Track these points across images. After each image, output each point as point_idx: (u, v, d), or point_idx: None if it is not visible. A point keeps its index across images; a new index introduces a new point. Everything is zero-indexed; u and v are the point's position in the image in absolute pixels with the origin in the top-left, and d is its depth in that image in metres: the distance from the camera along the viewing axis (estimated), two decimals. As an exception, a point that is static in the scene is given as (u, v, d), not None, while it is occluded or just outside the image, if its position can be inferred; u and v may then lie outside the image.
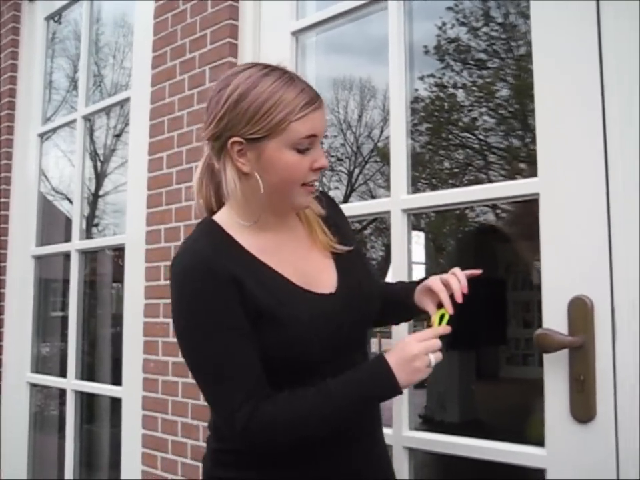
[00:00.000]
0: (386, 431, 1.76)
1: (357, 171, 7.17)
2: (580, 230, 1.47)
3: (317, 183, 1.29)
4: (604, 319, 1.42)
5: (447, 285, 1.32)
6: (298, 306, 1.25)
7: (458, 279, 1.31)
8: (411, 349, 1.20)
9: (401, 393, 1.22)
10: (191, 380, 2.24)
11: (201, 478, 1.40)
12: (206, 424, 2.18)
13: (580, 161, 1.48)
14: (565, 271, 1.49)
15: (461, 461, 1.66)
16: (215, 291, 1.19)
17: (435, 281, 1.34)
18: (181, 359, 2.26)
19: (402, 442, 1.78)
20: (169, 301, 2.32)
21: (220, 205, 1.34)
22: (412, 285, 1.45)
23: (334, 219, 1.42)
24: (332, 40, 2.39)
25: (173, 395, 2.35)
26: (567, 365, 1.45)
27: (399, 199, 1.84)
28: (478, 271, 1.37)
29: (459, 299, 1.29)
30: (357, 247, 1.42)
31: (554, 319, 1.48)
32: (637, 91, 1.41)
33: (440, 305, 1.31)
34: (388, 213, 1.86)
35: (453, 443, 1.68)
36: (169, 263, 2.31)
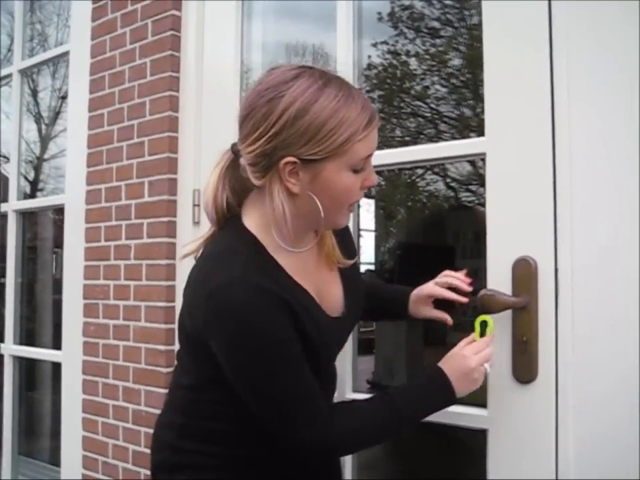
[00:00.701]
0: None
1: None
2: (525, 191, 1.46)
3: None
4: (547, 280, 1.41)
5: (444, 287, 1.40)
6: (329, 334, 1.24)
7: (455, 277, 1.40)
8: (469, 363, 1.26)
9: (456, 402, 1.29)
10: (132, 343, 2.23)
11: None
12: (148, 388, 2.19)
13: (527, 121, 1.46)
14: (509, 232, 1.48)
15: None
16: (281, 320, 1.12)
17: (433, 288, 1.42)
18: (122, 321, 2.27)
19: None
20: (110, 262, 2.31)
21: (230, 209, 1.24)
22: (403, 295, 1.48)
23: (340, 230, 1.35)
24: (284, 5, 2.32)
25: (114, 358, 2.30)
26: (510, 326, 1.45)
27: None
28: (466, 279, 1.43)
29: (469, 288, 1.38)
30: (357, 257, 1.41)
31: (498, 280, 1.47)
32: (585, 50, 1.39)
33: (476, 312, 1.38)
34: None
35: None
36: (110, 224, 2.31)
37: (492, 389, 1.49)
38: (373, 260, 4.08)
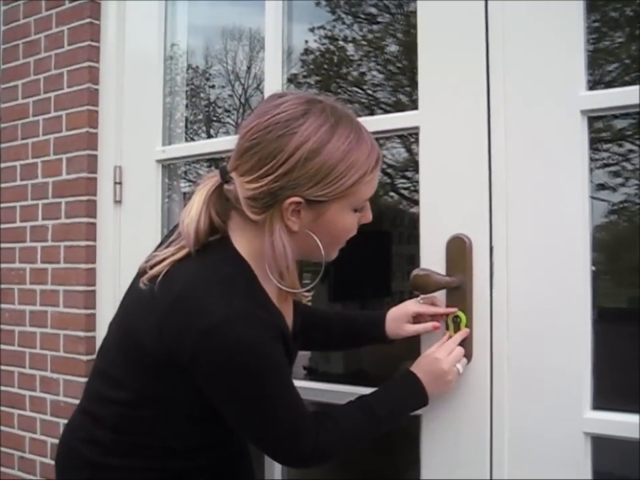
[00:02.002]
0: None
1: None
2: (460, 167, 1.41)
3: None
4: (482, 258, 1.37)
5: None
6: (294, 356, 1.25)
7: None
8: (441, 366, 1.29)
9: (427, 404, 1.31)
10: (50, 330, 2.11)
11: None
12: (67, 377, 2.08)
13: (462, 94, 1.41)
14: (443, 209, 1.43)
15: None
16: (280, 349, 1.11)
17: (419, 305, 1.40)
18: (39, 307, 2.14)
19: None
20: (25, 244, 2.17)
21: (212, 233, 1.16)
22: (377, 318, 1.44)
23: None
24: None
25: (31, 346, 2.18)
26: (444, 306, 1.40)
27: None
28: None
29: (452, 311, 1.37)
30: None
31: (432, 259, 1.42)
32: (520, 33, 1.35)
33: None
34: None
35: (324, 390, 1.63)
36: (26, 203, 2.17)
37: (425, 372, 1.44)
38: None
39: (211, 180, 1.17)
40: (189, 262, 1.13)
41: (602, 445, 1.29)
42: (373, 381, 1.60)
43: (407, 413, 1.31)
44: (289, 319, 1.27)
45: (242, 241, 1.15)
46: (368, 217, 1.18)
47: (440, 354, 1.30)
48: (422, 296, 1.40)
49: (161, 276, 1.12)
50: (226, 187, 1.14)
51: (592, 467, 1.28)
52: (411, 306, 1.41)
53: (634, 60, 1.63)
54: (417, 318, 1.41)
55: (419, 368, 1.30)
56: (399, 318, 1.41)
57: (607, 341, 1.35)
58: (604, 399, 1.29)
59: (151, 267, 1.15)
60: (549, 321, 1.31)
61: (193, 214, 1.14)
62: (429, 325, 1.38)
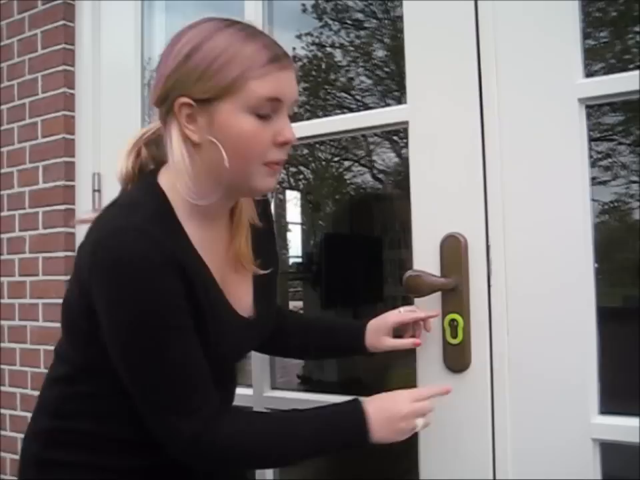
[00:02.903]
0: (246, 391, 1.61)
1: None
2: (452, 162, 1.35)
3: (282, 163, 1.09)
4: (478, 258, 1.31)
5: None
6: (230, 325, 1.11)
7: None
8: (400, 409, 1.09)
9: (369, 445, 1.09)
10: (30, 346, 2.04)
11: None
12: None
13: (453, 87, 1.35)
14: (436, 207, 1.36)
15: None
16: (174, 284, 0.99)
17: (401, 315, 1.31)
18: (18, 322, 2.05)
19: (262, 402, 1.62)
20: (3, 257, 2.09)
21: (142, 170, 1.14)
22: (357, 329, 1.34)
23: (263, 235, 1.24)
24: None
25: (10, 363, 2.11)
26: (439, 309, 1.33)
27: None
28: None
29: (434, 315, 1.30)
30: (275, 268, 1.26)
31: (425, 260, 1.35)
32: (512, 21, 1.30)
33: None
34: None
35: (316, 401, 1.53)
36: (2, 214, 2.09)
37: (422, 380, 1.38)
38: (300, 253, 3.97)
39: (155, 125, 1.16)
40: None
41: (611, 451, 1.23)
42: (367, 388, 1.54)
43: (340, 445, 1.10)
44: (241, 294, 1.17)
45: (168, 175, 1.09)
46: (285, 135, 1.05)
47: (404, 396, 1.12)
48: (401, 308, 1.33)
49: None
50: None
51: (602, 474, 1.22)
52: (391, 317, 1.31)
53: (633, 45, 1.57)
54: (402, 328, 1.32)
55: (374, 401, 1.12)
56: (379, 330, 1.32)
57: (613, 342, 1.28)
58: (612, 402, 1.23)
59: None
60: (551, 323, 1.25)
61: (126, 149, 1.15)
62: (409, 341, 1.30)
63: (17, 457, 2.02)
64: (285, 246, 3.78)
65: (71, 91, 2.00)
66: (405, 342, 1.30)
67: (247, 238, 1.18)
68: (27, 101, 2.06)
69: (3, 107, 2.12)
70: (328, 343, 1.39)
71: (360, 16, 4.91)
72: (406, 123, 1.41)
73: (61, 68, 1.98)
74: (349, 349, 1.37)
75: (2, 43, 2.12)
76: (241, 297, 1.17)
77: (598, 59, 1.59)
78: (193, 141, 1.04)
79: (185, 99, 1.02)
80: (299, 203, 5.04)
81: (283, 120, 1.05)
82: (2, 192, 2.13)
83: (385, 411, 1.09)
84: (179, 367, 1.00)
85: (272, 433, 1.07)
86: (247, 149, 1.03)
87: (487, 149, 1.31)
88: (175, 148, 1.04)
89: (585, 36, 1.28)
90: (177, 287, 1.00)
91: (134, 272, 0.96)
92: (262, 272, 1.19)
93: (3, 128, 2.12)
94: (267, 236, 1.27)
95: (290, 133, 1.05)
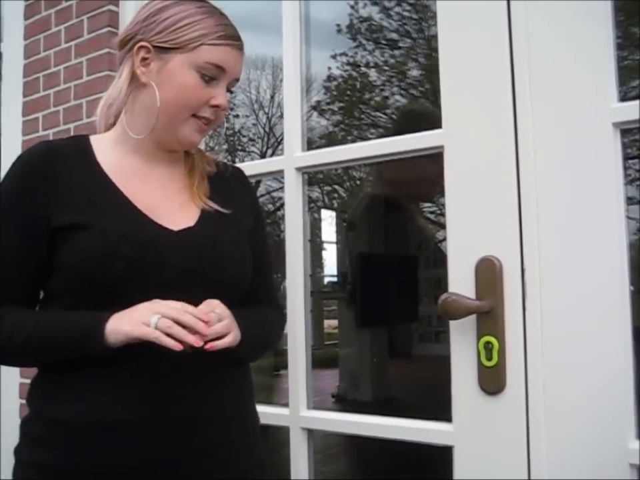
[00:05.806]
0: (282, 410, 1.63)
1: (269, 152, 7.05)
2: (488, 186, 1.35)
3: (210, 127, 1.25)
4: (514, 280, 1.31)
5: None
6: (115, 219, 1.16)
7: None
8: (137, 308, 1.11)
9: (105, 344, 1.09)
10: None
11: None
12: None
13: (487, 112, 1.36)
14: (472, 231, 1.37)
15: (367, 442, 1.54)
16: (28, 183, 1.17)
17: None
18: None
19: (298, 422, 1.63)
20: None
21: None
22: None
23: (235, 189, 1.35)
24: (246, 17, 2.21)
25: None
26: (474, 332, 1.34)
27: (292, 156, 1.69)
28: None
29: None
30: (245, 226, 1.30)
31: (461, 282, 1.36)
32: (546, 46, 1.31)
33: None
34: (282, 172, 1.72)
35: (353, 422, 1.55)
36: None
37: (457, 402, 1.38)
38: (335, 272, 3.97)
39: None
40: None
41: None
42: (402, 409, 1.54)
43: (76, 335, 1.11)
44: (178, 218, 1.22)
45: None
46: (220, 100, 1.21)
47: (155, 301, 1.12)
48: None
49: None
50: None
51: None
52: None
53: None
54: None
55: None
56: None
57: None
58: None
59: None
60: (586, 346, 1.24)
61: (101, 103, 1.33)
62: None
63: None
64: (320, 265, 3.80)
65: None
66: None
67: (201, 185, 1.29)
68: (72, 125, 2.13)
69: (50, 131, 2.19)
70: None
71: (394, 36, 4.95)
72: (442, 147, 1.42)
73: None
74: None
75: (49, 71, 2.20)
76: (176, 218, 1.22)
77: (635, 76, 1.59)
78: (140, 81, 1.20)
79: (145, 43, 1.19)
80: (334, 222, 5.06)
81: (221, 88, 1.22)
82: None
83: (127, 310, 1.12)
84: None
85: (12, 324, 1.15)
86: (183, 98, 1.19)
87: (521, 173, 1.32)
88: (120, 82, 1.23)
89: (620, 59, 1.29)
90: (34, 188, 1.16)
91: (14, 165, 1.20)
92: (211, 207, 1.26)
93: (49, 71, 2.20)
94: (241, 193, 1.36)
95: (223, 100, 1.21)
